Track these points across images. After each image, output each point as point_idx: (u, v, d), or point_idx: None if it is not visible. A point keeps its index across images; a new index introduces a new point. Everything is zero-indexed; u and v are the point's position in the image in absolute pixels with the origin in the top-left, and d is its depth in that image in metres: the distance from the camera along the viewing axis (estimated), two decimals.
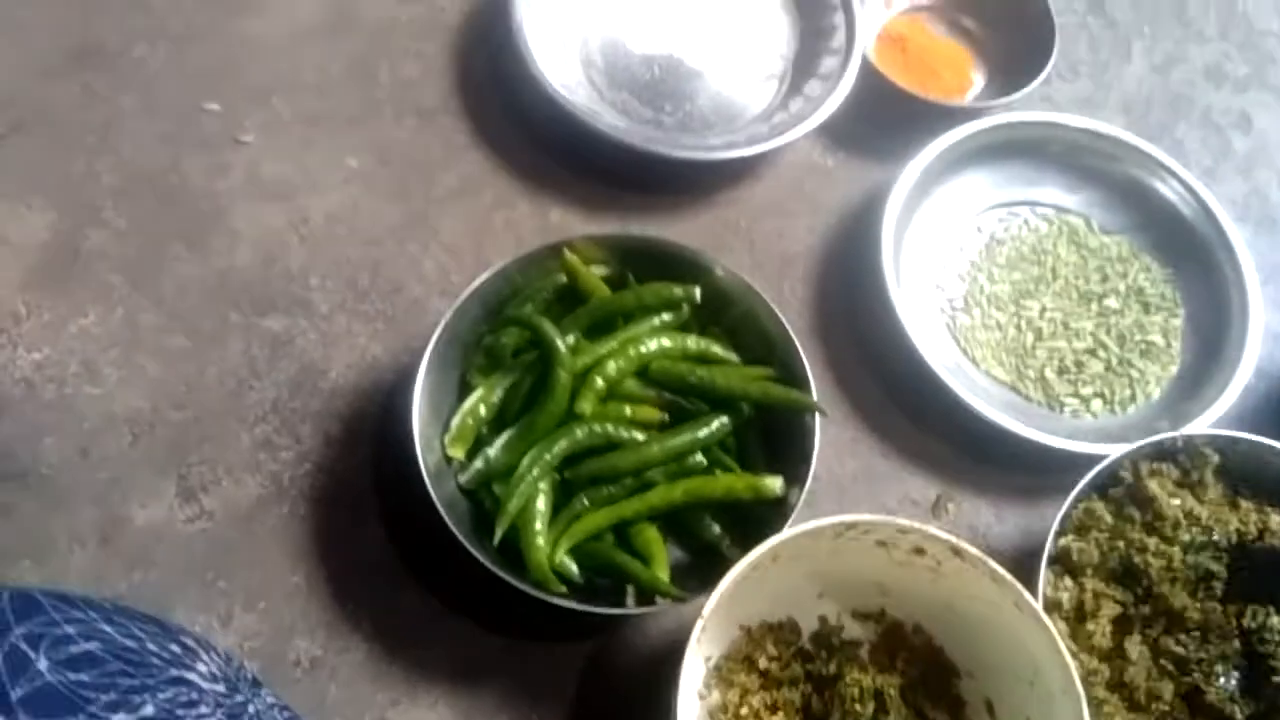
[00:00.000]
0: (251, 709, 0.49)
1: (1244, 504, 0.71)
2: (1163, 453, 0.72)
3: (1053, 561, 0.70)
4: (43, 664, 0.42)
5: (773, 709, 0.66)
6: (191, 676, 0.47)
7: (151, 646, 0.47)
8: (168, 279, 0.78)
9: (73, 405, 0.73)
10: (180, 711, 0.44)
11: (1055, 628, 0.60)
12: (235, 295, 0.78)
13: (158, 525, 0.70)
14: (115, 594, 0.68)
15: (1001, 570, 0.60)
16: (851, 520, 0.62)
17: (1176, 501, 0.70)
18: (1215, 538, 0.69)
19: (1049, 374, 0.83)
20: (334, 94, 0.88)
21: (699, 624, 0.58)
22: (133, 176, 0.81)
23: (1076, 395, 0.83)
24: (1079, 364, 0.84)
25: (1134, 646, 0.67)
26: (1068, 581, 0.69)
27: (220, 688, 0.49)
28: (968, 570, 0.62)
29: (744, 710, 0.65)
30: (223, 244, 0.80)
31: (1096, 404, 0.83)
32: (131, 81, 0.85)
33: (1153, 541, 0.69)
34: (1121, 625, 0.69)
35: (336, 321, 0.79)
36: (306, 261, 0.80)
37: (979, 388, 0.82)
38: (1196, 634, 0.67)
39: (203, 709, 0.46)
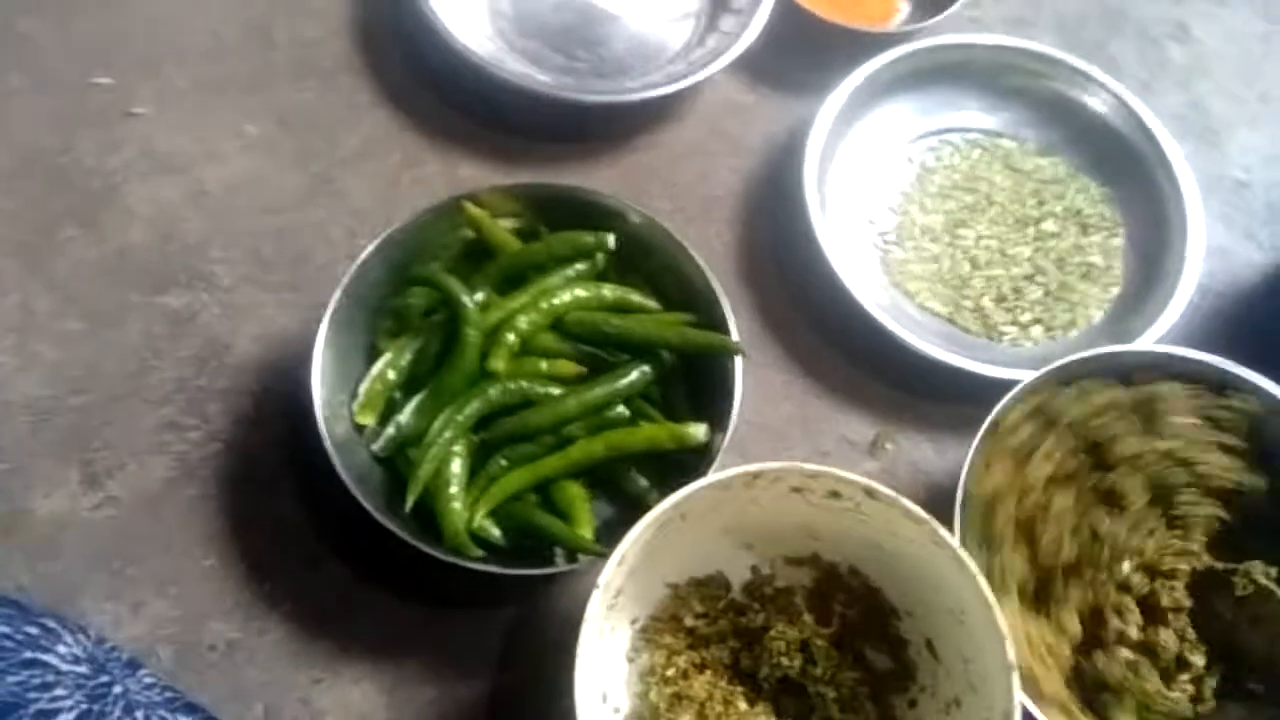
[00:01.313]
0: (118, 689, 0.47)
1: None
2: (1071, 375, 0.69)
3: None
4: None
5: (700, 668, 0.64)
6: (48, 658, 0.45)
7: (3, 629, 0.45)
8: (61, 261, 0.75)
9: None
10: (32, 694, 0.42)
11: (973, 564, 0.57)
12: (133, 274, 0.75)
13: (61, 515, 0.68)
14: (19, 586, 0.65)
15: (915, 508, 0.58)
16: (756, 470, 0.59)
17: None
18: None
19: (986, 303, 0.80)
20: (229, 59, 0.84)
21: (595, 592, 0.56)
22: (22, 157, 0.78)
23: (1015, 323, 0.80)
24: (1017, 290, 0.81)
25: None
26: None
27: (82, 669, 0.46)
28: (885, 509, 0.59)
29: (671, 671, 0.63)
30: (118, 222, 0.77)
31: (1036, 330, 0.80)
32: (17, 59, 0.82)
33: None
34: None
35: (241, 294, 0.76)
36: (206, 235, 0.77)
37: (915, 322, 0.79)
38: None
39: (59, 690, 0.43)
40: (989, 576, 0.64)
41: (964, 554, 0.58)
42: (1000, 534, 0.66)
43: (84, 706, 0.43)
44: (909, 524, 0.59)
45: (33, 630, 0.46)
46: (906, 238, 0.83)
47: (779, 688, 0.65)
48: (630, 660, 0.64)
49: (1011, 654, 0.56)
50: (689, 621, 0.65)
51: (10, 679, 0.42)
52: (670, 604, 0.66)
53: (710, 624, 0.66)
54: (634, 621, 0.64)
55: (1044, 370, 0.67)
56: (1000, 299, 0.81)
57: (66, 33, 0.83)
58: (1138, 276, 0.83)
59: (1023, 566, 0.66)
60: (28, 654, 0.44)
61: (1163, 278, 0.81)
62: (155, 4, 0.85)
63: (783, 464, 0.59)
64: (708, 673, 0.64)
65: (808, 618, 0.65)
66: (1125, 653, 0.64)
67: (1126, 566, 0.65)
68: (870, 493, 0.59)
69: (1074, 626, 0.65)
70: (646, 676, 0.64)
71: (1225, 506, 0.66)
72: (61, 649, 0.46)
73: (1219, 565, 0.65)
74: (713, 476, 0.59)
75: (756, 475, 0.60)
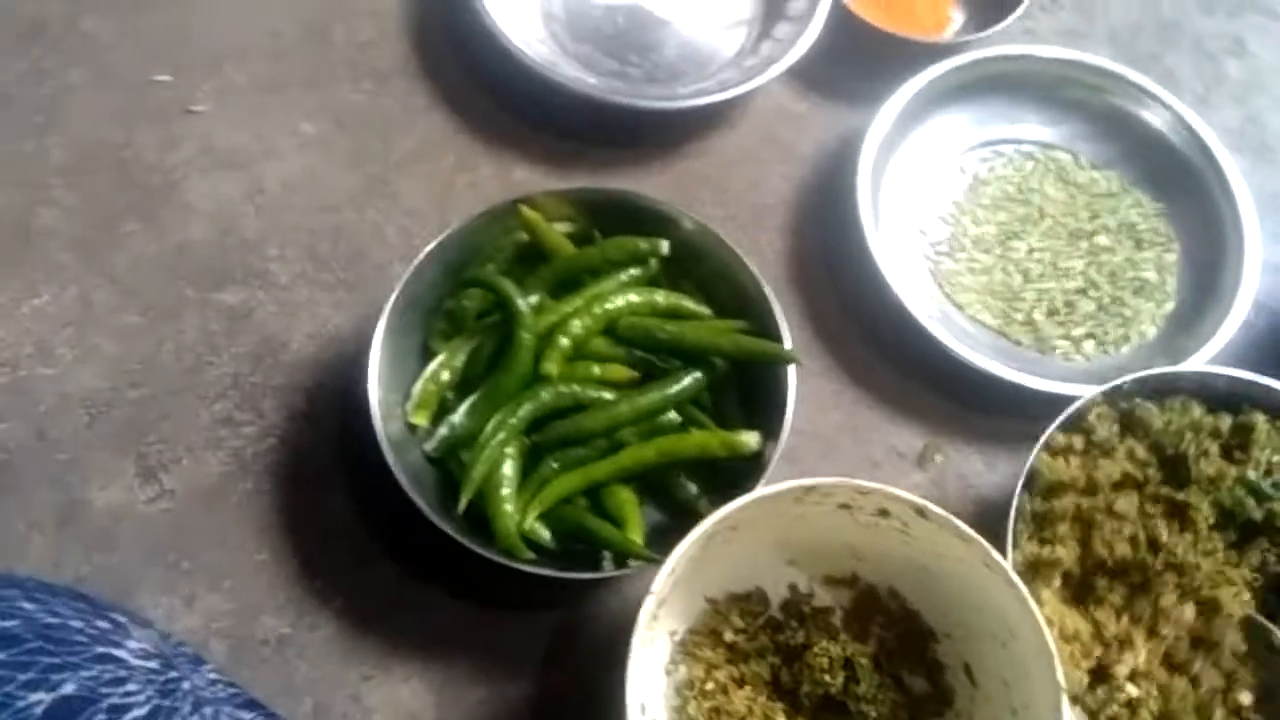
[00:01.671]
0: (186, 685, 0.47)
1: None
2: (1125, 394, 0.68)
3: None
4: None
5: (740, 683, 0.63)
6: (119, 653, 0.45)
7: (76, 623, 0.45)
8: (121, 256, 0.76)
9: (27, 388, 0.71)
10: (105, 689, 0.43)
11: (1025, 588, 0.57)
12: (191, 269, 0.76)
13: (117, 507, 0.68)
14: (76, 578, 0.66)
15: (967, 529, 0.57)
16: (810, 484, 0.58)
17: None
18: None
19: (1038, 316, 0.80)
20: (287, 59, 0.85)
21: (648, 600, 0.56)
22: (83, 153, 0.79)
23: (1067, 337, 0.79)
24: (1069, 304, 0.80)
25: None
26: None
27: (152, 664, 0.47)
28: (935, 530, 0.59)
29: (710, 685, 0.63)
30: (177, 218, 0.78)
31: (1089, 345, 0.79)
32: (80, 56, 0.83)
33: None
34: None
35: (296, 292, 0.76)
36: (264, 232, 0.78)
37: (965, 334, 0.79)
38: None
39: (131, 686, 0.44)
40: (1035, 567, 0.64)
41: (1015, 575, 0.57)
42: (1055, 523, 0.65)
43: (155, 702, 0.44)
44: (958, 544, 0.59)
45: (104, 624, 0.47)
46: (958, 249, 0.83)
47: (818, 705, 0.64)
48: (669, 673, 0.64)
49: (1061, 675, 0.55)
50: (728, 636, 0.65)
51: (84, 673, 0.42)
52: (710, 618, 0.66)
53: (749, 640, 0.65)
54: (673, 634, 0.64)
55: (1131, 377, 0.67)
56: (1052, 312, 0.80)
57: (129, 30, 0.84)
58: (1192, 293, 0.82)
59: (1071, 558, 0.65)
60: (100, 649, 0.44)
61: (1218, 295, 0.80)
62: (216, 3, 0.86)
63: (836, 480, 0.59)
64: (747, 688, 0.64)
65: (846, 637, 0.65)
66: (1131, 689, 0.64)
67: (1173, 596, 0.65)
68: (921, 512, 0.59)
69: (1111, 626, 0.64)
70: (684, 690, 0.63)
71: None
72: (132, 644, 0.47)
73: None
74: (766, 489, 0.58)
75: (809, 489, 0.59)
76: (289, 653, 0.66)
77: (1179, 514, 0.65)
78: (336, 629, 0.67)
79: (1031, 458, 0.65)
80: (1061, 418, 0.66)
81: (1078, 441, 0.67)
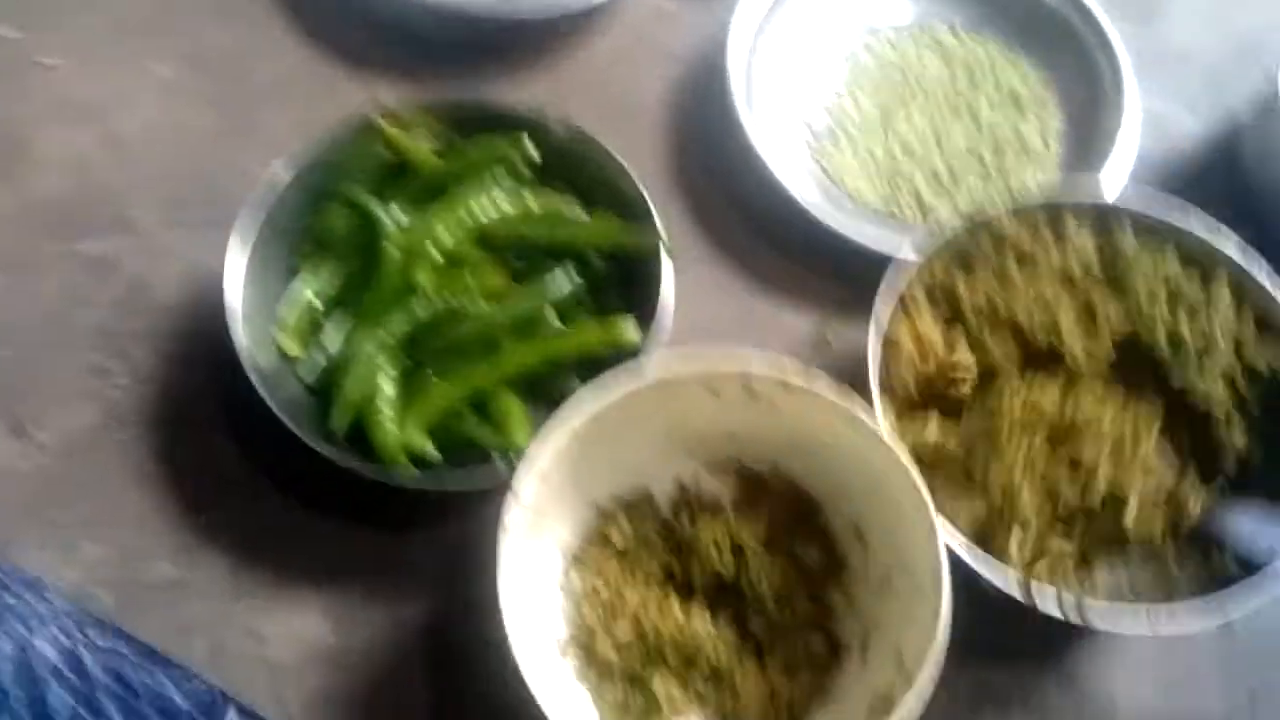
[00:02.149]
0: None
1: None
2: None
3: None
4: None
5: (634, 585, 0.63)
6: None
7: None
8: None
9: None
10: None
11: (895, 442, 0.56)
12: (50, 224, 0.73)
13: None
14: None
15: (827, 393, 0.57)
16: (666, 370, 0.58)
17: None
18: None
19: (923, 191, 0.79)
20: (139, 3, 0.82)
21: (508, 498, 0.55)
22: None
23: (954, 208, 0.78)
24: (954, 177, 0.79)
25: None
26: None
27: None
28: (800, 401, 0.58)
29: (605, 593, 0.62)
30: (32, 173, 0.75)
31: None
32: None
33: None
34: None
35: (162, 237, 0.74)
36: (124, 179, 0.75)
37: (852, 215, 0.77)
38: None
39: None
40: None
41: (878, 429, 0.57)
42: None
43: None
44: (825, 409, 0.58)
45: None
46: (840, 134, 0.81)
47: (715, 593, 0.64)
48: (564, 590, 0.63)
49: (934, 516, 0.55)
50: (617, 540, 0.64)
51: None
52: (598, 525, 0.65)
53: (639, 541, 0.64)
54: (564, 548, 0.63)
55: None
56: (937, 185, 0.79)
57: None
58: (1076, 157, 0.81)
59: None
60: None
61: (1101, 156, 0.79)
62: None
63: (687, 359, 0.58)
64: (640, 586, 0.63)
65: (734, 520, 0.64)
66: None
67: None
68: (784, 385, 0.58)
69: None
70: (582, 602, 0.63)
71: None
72: None
73: None
74: (603, 384, 0.57)
75: (669, 380, 0.58)
76: (180, 595, 0.64)
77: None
78: (227, 567, 0.65)
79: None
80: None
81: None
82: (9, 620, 0.44)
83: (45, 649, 0.44)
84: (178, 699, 0.52)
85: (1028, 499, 0.61)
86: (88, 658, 0.45)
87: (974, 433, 0.64)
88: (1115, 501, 0.62)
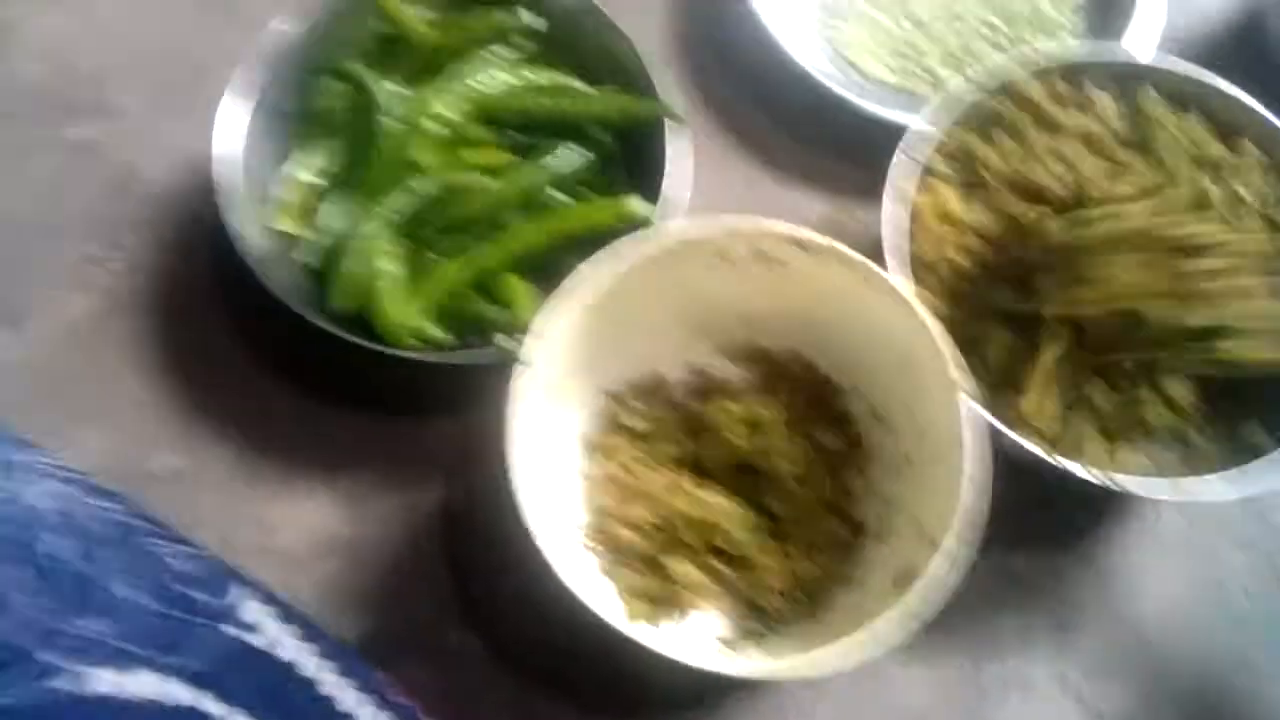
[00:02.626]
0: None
1: None
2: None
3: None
4: None
5: (650, 468, 0.61)
6: None
7: None
8: None
9: None
10: None
11: (904, 289, 0.54)
12: (33, 110, 0.71)
13: None
14: None
15: (849, 251, 0.55)
16: (676, 235, 0.55)
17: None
18: None
19: (935, 64, 0.76)
20: None
21: (517, 369, 0.53)
22: None
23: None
24: (967, 49, 0.77)
25: None
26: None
27: None
28: (817, 264, 0.56)
29: (622, 477, 0.60)
30: (13, 58, 0.72)
31: None
32: None
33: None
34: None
35: (147, 120, 0.71)
36: (107, 64, 0.72)
37: (867, 93, 0.75)
38: None
39: None
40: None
41: (899, 285, 0.56)
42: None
43: None
44: (844, 272, 0.56)
45: None
46: (850, 10, 0.79)
47: (732, 476, 0.62)
48: (582, 476, 0.62)
49: (953, 371, 0.54)
50: (631, 423, 0.63)
51: None
52: (611, 410, 0.63)
53: (654, 424, 0.63)
54: (579, 435, 0.62)
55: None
56: (950, 59, 0.77)
57: None
58: (1094, 26, 0.78)
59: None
60: None
61: (1121, 28, 0.77)
62: None
63: (693, 222, 0.56)
64: (657, 469, 0.62)
65: (753, 404, 0.63)
66: None
67: None
68: (799, 243, 0.56)
69: None
70: (596, 485, 0.61)
71: None
72: None
73: None
74: (611, 250, 0.55)
75: (681, 242, 0.56)
76: (186, 483, 0.63)
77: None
78: (235, 456, 0.64)
79: None
80: None
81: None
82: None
83: (41, 500, 0.43)
84: (176, 564, 0.51)
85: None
86: (81, 513, 0.43)
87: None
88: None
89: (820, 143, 0.75)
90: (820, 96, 0.72)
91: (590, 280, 0.55)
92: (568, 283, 0.54)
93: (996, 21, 0.77)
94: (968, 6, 0.78)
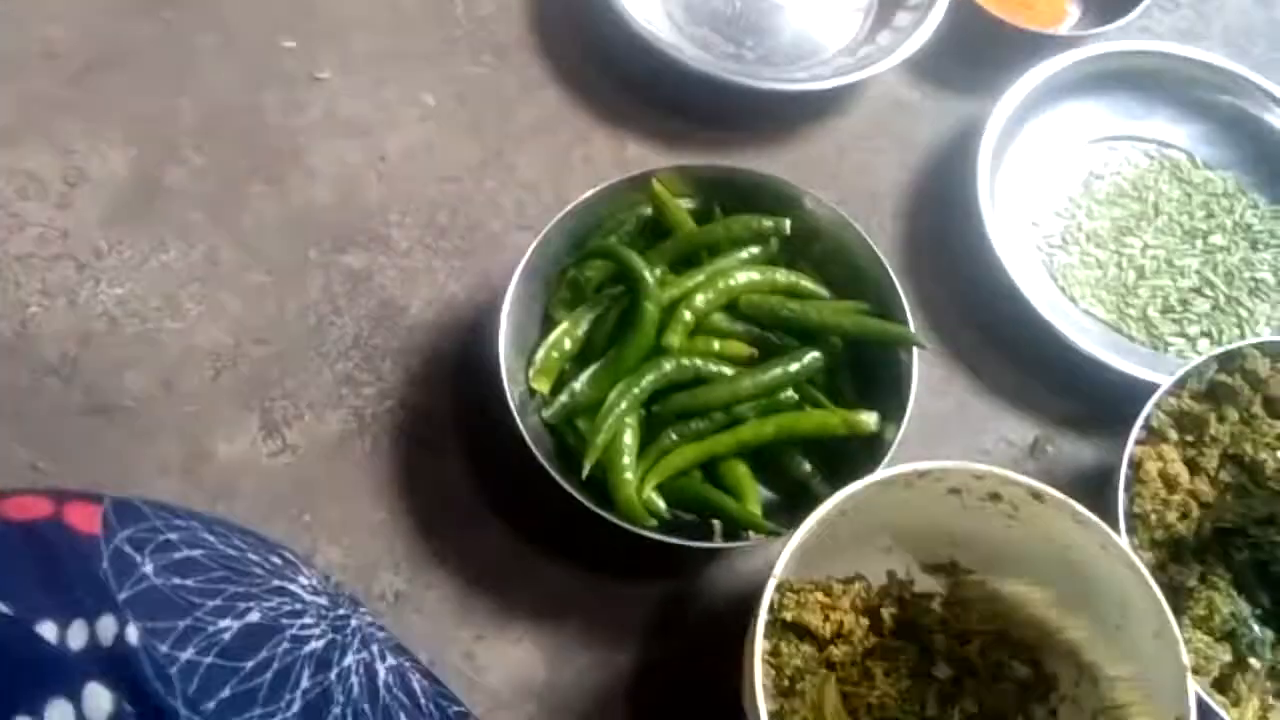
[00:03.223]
0: (354, 623, 0.48)
1: None
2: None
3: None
4: (148, 567, 0.41)
5: (842, 660, 0.63)
6: (293, 588, 0.46)
7: (253, 556, 0.46)
8: (247, 216, 0.77)
9: (155, 340, 0.73)
10: (285, 620, 0.44)
11: (1144, 568, 0.56)
12: (314, 232, 0.77)
13: (241, 459, 0.70)
14: None
15: (1086, 511, 0.57)
16: (924, 467, 0.58)
17: None
18: None
19: (1152, 313, 0.79)
20: (410, 30, 0.86)
21: (771, 583, 0.56)
22: (211, 114, 0.81)
23: (1182, 334, 0.79)
24: (1184, 302, 0.80)
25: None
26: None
27: (322, 600, 0.48)
28: (1048, 514, 0.59)
29: (811, 665, 0.63)
30: (301, 181, 0.79)
31: (1204, 344, 0.79)
32: (209, 19, 0.84)
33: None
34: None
35: (415, 258, 0.77)
36: (385, 198, 0.79)
37: (1079, 326, 0.78)
38: None
39: (307, 619, 0.45)
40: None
41: (1134, 558, 0.57)
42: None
43: (330, 636, 0.45)
44: (1075, 528, 0.59)
45: (276, 560, 0.48)
46: (1072, 242, 0.82)
47: (916, 679, 0.64)
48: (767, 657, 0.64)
49: (1184, 656, 0.55)
50: (833, 619, 0.65)
51: (265, 604, 0.43)
52: (807, 600, 0.65)
53: (853, 623, 0.65)
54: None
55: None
56: (1167, 309, 0.79)
57: None
58: None
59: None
60: (276, 581, 0.45)
61: None
62: None
63: (952, 463, 0.59)
64: (849, 663, 0.64)
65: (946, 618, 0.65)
66: None
67: None
68: (1038, 495, 0.59)
69: None
70: (783, 668, 0.63)
71: None
72: (303, 580, 0.48)
73: None
74: (885, 471, 0.58)
75: (923, 473, 0.59)
76: (406, 609, 0.67)
77: None
78: (451, 588, 0.68)
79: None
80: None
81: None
82: (357, 641, 0.46)
83: (379, 667, 0.47)
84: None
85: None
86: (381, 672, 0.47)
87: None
88: None
89: (1031, 366, 0.78)
90: (1039, 326, 0.75)
91: (838, 498, 0.58)
92: (823, 507, 0.57)
93: (1216, 280, 0.80)
94: (1189, 262, 0.81)
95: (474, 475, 0.71)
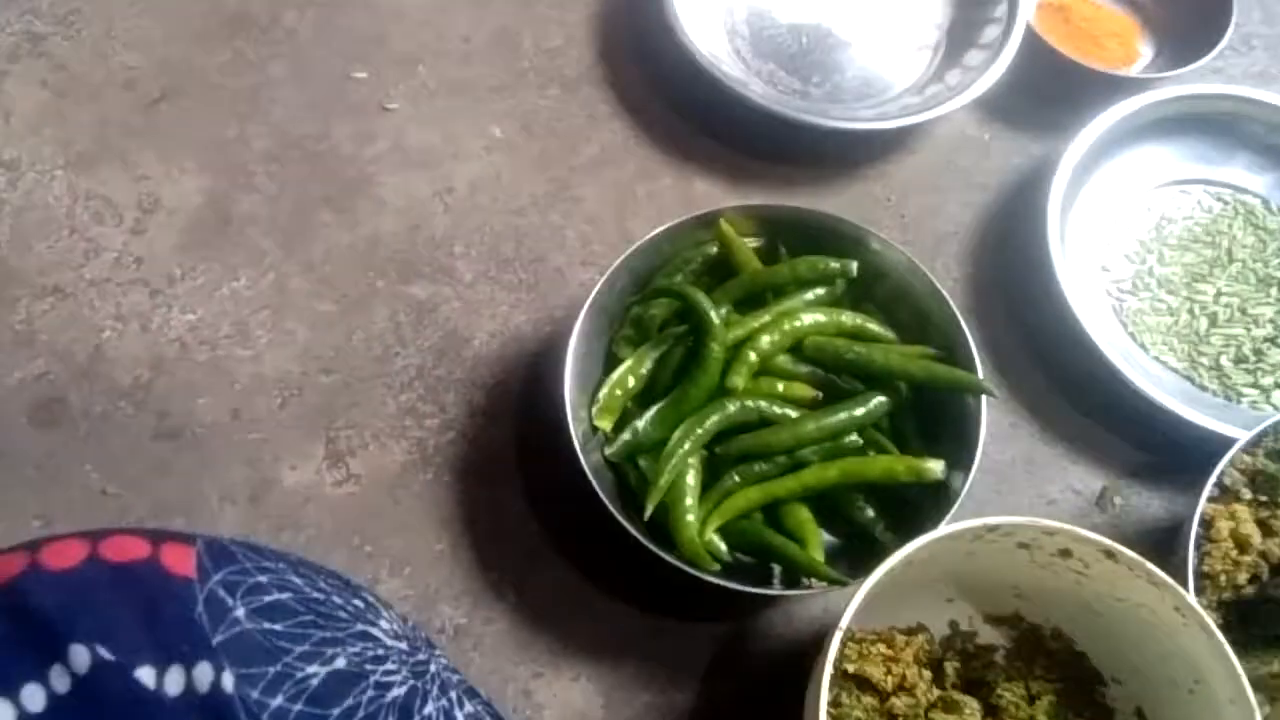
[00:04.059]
0: (433, 668, 0.48)
1: None
2: None
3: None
4: (239, 611, 0.42)
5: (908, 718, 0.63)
6: (376, 632, 0.47)
7: (338, 599, 0.47)
8: (316, 244, 0.78)
9: (224, 366, 0.74)
10: (369, 666, 0.44)
11: (1220, 634, 0.55)
12: (382, 262, 0.78)
13: (306, 487, 0.70)
14: None
15: (1160, 573, 0.56)
16: (995, 522, 0.58)
17: None
18: None
19: (1225, 362, 0.78)
20: (478, 63, 0.87)
21: (837, 635, 0.55)
22: (282, 142, 0.82)
23: (1256, 385, 0.77)
24: (1258, 352, 0.78)
25: None
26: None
27: (403, 645, 0.48)
28: (1120, 572, 0.58)
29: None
30: (369, 211, 0.80)
31: (1278, 395, 0.77)
32: (281, 49, 0.86)
33: None
34: None
35: (480, 290, 0.78)
36: (451, 229, 0.80)
37: (1149, 374, 0.77)
38: None
39: (389, 665, 0.45)
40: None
41: (1210, 622, 0.56)
42: None
43: (411, 682, 0.45)
44: (1147, 588, 0.57)
45: (359, 603, 0.48)
46: (1142, 288, 0.81)
47: None
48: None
49: (1255, 710, 0.54)
50: (895, 670, 0.64)
51: (350, 649, 0.43)
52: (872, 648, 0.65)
53: (916, 676, 0.64)
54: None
55: None
56: (1240, 359, 0.78)
57: (327, 28, 0.87)
58: None
59: None
60: (360, 626, 0.46)
61: None
62: (411, 7, 0.88)
63: (1022, 519, 0.58)
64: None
65: (1010, 670, 0.64)
66: None
67: None
68: (1110, 554, 0.58)
69: None
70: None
71: None
72: (384, 624, 0.48)
73: None
74: (953, 525, 0.58)
75: (993, 527, 0.58)
76: (465, 643, 0.67)
77: None
78: (510, 623, 0.68)
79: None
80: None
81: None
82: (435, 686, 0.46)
83: (457, 714, 0.47)
84: None
85: None
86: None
87: None
88: None
89: (1100, 414, 0.77)
90: (1108, 373, 0.74)
91: (906, 551, 0.57)
92: (891, 559, 0.56)
93: None
94: (1264, 311, 0.79)
95: (535, 510, 0.71)
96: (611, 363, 0.71)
